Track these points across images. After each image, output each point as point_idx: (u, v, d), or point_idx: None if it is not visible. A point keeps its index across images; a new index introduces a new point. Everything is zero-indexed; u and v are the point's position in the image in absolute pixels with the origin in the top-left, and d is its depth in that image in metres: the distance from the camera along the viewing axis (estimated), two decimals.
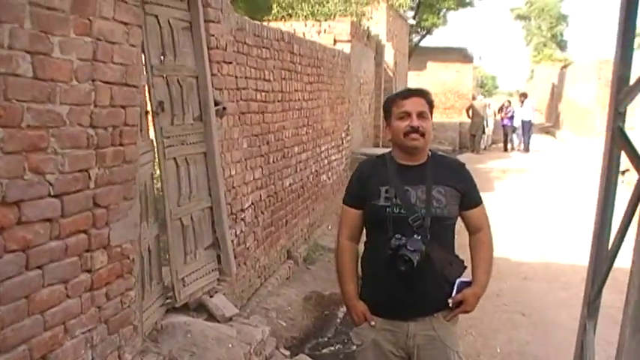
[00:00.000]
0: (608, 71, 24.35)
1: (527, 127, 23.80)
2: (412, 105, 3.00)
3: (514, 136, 24.26)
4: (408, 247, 2.82)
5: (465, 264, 3.09)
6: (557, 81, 35.03)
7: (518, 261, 8.27)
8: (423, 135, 2.97)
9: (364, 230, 3.19)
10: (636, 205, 1.98)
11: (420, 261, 2.82)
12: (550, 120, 35.89)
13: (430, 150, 3.14)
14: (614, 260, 2.20)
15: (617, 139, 2.24)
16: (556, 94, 34.55)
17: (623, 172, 11.40)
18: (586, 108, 26.33)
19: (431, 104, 3.10)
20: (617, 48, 2.26)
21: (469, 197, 3.09)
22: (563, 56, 51.58)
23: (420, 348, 3.00)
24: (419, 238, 2.86)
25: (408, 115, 2.98)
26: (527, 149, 23.39)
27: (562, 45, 59.03)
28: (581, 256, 8.51)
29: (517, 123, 23.80)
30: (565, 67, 34.06)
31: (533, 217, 11.40)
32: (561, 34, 59.20)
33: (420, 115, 2.98)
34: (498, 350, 5.61)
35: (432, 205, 2.94)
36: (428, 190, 2.96)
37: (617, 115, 2.25)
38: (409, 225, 2.90)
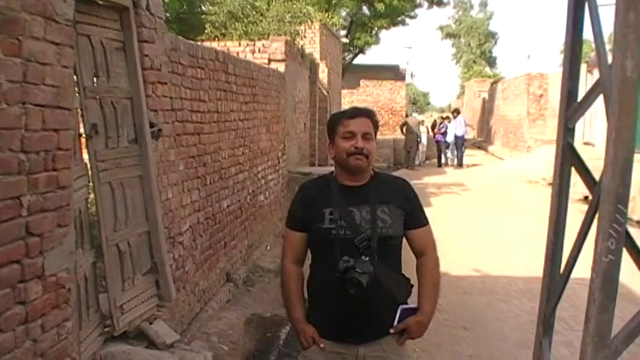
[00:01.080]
0: (536, 86, 25.14)
1: (460, 142, 24.26)
2: (358, 125, 2.97)
3: (447, 151, 24.69)
4: (357, 269, 2.78)
5: (412, 282, 3.06)
6: (487, 96, 35.88)
7: (456, 275, 8.34)
8: (367, 157, 2.94)
9: (309, 252, 3.14)
10: (590, 223, 1.99)
11: (369, 283, 2.77)
12: (482, 135, 36.70)
13: (373, 169, 3.12)
14: (568, 278, 2.21)
15: (567, 155, 2.25)
16: (487, 110, 35.37)
17: (586, 198, 11.72)
18: (516, 122, 27.03)
19: (376, 125, 3.07)
20: (565, 64, 2.29)
21: (413, 216, 3.06)
22: (493, 72, 53.04)
23: None
24: (367, 259, 2.82)
25: (353, 135, 2.94)
26: (460, 164, 23.80)
27: (491, 61, 60.74)
28: (517, 269, 8.73)
29: (450, 139, 24.24)
30: (495, 82, 34.93)
31: (468, 231, 11.55)
32: (490, 51, 60.96)
33: (365, 136, 2.96)
34: None
35: (377, 225, 2.91)
36: (372, 210, 2.93)
37: (567, 130, 2.26)
38: (355, 246, 2.86)
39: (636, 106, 1.77)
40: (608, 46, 2.19)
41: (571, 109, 2.26)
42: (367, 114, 3.08)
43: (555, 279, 2.37)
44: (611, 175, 1.76)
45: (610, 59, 1.84)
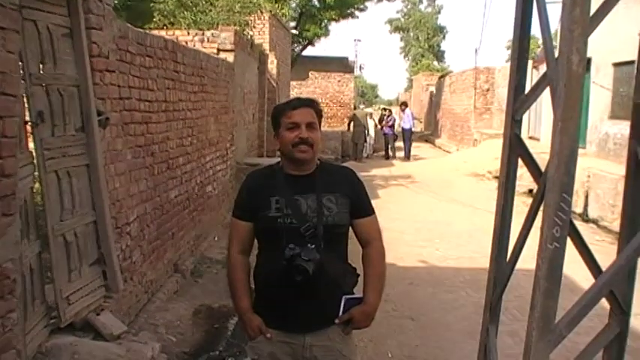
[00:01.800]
0: (483, 80, 25.54)
1: (408, 135, 24.50)
2: (301, 116, 2.97)
3: (395, 144, 24.91)
4: (303, 256, 2.78)
5: (359, 272, 3.09)
6: (435, 90, 36.28)
7: (403, 266, 8.45)
8: (311, 146, 2.95)
9: (255, 242, 3.13)
10: (536, 212, 2.05)
11: (315, 271, 2.79)
12: (429, 128, 37.12)
13: (319, 159, 3.13)
14: (514, 266, 2.26)
15: (514, 146, 2.31)
16: (434, 103, 35.78)
17: (530, 191, 11.97)
18: (463, 116, 27.44)
19: (319, 114, 3.08)
20: (513, 58, 2.34)
21: (359, 205, 3.08)
22: (441, 66, 53.64)
23: (318, 359, 2.98)
24: (313, 247, 2.83)
25: (297, 126, 2.95)
26: (408, 157, 24.03)
27: (439, 55, 61.38)
28: (463, 260, 8.87)
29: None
30: (443, 76, 35.32)
31: (415, 223, 11.70)
32: (438, 45, 61.57)
33: (309, 126, 2.96)
34: (390, 355, 5.70)
35: (323, 213, 2.92)
36: (318, 198, 2.94)
37: (514, 122, 2.32)
38: (301, 235, 2.87)
39: (581, 99, 1.83)
40: (554, 42, 2.25)
41: (518, 101, 2.31)
42: (310, 104, 3.08)
43: (502, 267, 2.43)
44: (556, 164, 1.82)
45: (556, 53, 1.90)
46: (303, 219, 2.90)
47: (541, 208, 2.04)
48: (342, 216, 2.98)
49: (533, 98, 2.25)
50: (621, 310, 2.21)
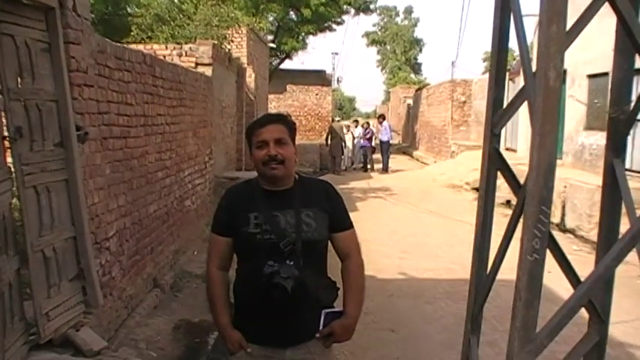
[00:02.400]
0: (460, 93, 25.77)
1: (386, 147, 24.60)
2: (269, 133, 2.96)
3: (373, 156, 25.03)
4: (281, 274, 2.79)
5: (338, 285, 3.09)
6: (412, 103, 36.50)
7: (383, 278, 8.47)
8: (282, 162, 2.94)
9: (234, 257, 3.13)
10: (516, 224, 2.08)
11: (294, 287, 2.79)
12: (407, 140, 37.30)
13: (297, 173, 3.13)
14: (494, 277, 2.29)
15: (494, 159, 2.34)
16: (412, 116, 35.99)
17: (508, 202, 12.06)
18: (440, 128, 27.63)
19: (291, 129, 3.06)
20: (492, 72, 2.38)
21: (337, 219, 3.08)
22: (418, 79, 53.98)
23: None
24: (291, 263, 2.84)
25: (266, 143, 2.94)
26: (386, 169, 24.12)
27: (416, 68, 61.76)
28: (441, 271, 8.92)
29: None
30: (420, 89, 35.56)
31: (394, 235, 11.75)
32: (415, 58, 61.97)
33: (278, 142, 2.95)
34: None
35: (302, 229, 2.92)
36: (297, 214, 2.94)
37: (493, 136, 2.35)
38: (281, 251, 2.86)
39: (558, 114, 1.87)
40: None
41: (497, 115, 2.35)
42: (279, 119, 3.07)
43: (482, 278, 2.46)
44: (535, 178, 1.85)
45: (533, 67, 1.94)
46: (282, 235, 2.90)
47: (520, 220, 2.07)
48: (320, 231, 2.98)
49: (512, 112, 2.29)
50: (600, 319, 2.25)
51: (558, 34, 1.79)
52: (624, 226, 2.27)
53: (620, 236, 2.24)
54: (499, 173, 2.36)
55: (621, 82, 2.23)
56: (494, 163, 2.35)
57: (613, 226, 2.26)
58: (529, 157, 1.89)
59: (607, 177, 2.23)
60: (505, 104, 2.40)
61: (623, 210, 2.22)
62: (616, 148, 2.21)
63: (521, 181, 2.20)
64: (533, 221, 1.85)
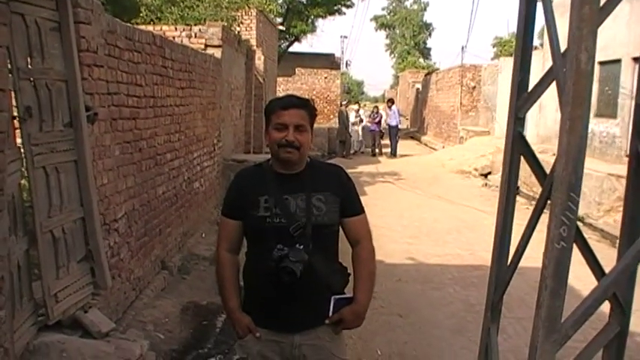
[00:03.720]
0: (469, 78, 25.66)
1: (394, 132, 24.52)
2: (290, 117, 2.91)
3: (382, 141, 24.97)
4: (291, 257, 2.77)
5: (349, 271, 3.06)
6: (421, 87, 36.36)
7: (391, 263, 8.45)
8: (298, 148, 2.90)
9: (244, 240, 3.10)
10: (542, 211, 2.02)
11: (303, 271, 2.77)
12: (415, 125, 37.20)
13: (309, 157, 3.09)
14: (517, 265, 2.24)
15: (517, 144, 2.28)
16: (421, 100, 35.86)
17: (518, 189, 12.01)
18: (449, 113, 27.52)
19: (312, 115, 3.03)
20: (517, 55, 2.31)
21: (348, 204, 3.04)
22: (427, 63, 53.75)
23: (307, 357, 2.96)
24: (301, 247, 2.81)
25: (285, 127, 2.90)
26: (394, 154, 24.04)
27: (425, 53, 61.47)
28: (450, 257, 8.90)
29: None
30: (429, 74, 35.40)
31: (402, 220, 11.72)
32: (424, 43, 61.66)
33: (298, 128, 2.91)
34: (379, 352, 5.69)
35: (312, 213, 2.89)
36: (307, 198, 2.91)
37: (517, 120, 2.29)
38: (290, 235, 2.84)
39: (589, 98, 1.81)
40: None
41: (521, 99, 2.29)
42: (302, 105, 3.01)
43: (503, 266, 2.41)
44: (564, 163, 1.79)
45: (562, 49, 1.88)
46: (292, 219, 2.87)
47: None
48: (331, 215, 2.95)
49: (537, 95, 2.23)
50: (622, 310, 2.20)
51: (591, 15, 1.73)
52: None
53: None
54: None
55: None
56: (517, 147, 2.29)
57: (637, 215, 2.20)
58: (558, 141, 1.83)
59: (633, 164, 2.16)
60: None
61: None
62: None
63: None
64: (561, 208, 1.80)
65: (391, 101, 27.29)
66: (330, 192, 2.97)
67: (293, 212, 2.88)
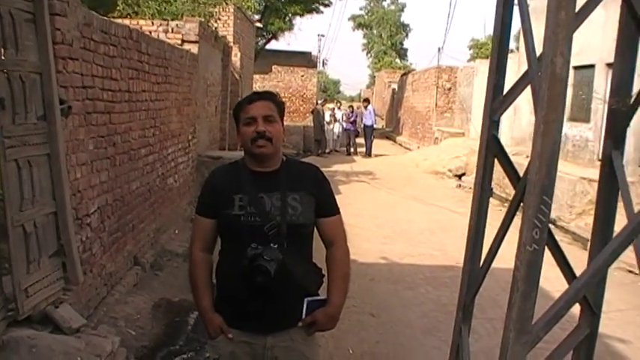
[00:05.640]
0: (445, 79, 25.80)
1: (369, 132, 24.58)
2: (257, 109, 2.89)
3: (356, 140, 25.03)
4: (265, 256, 2.73)
5: (324, 272, 3.04)
6: (397, 88, 36.48)
7: (364, 262, 8.45)
8: (270, 140, 2.87)
9: (218, 239, 3.07)
10: (514, 214, 2.04)
11: (277, 271, 2.73)
12: (390, 125, 37.33)
13: (285, 155, 3.07)
14: (489, 267, 2.26)
15: (492, 146, 2.30)
16: (396, 100, 35.98)
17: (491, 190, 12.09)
18: (425, 114, 27.66)
19: (279, 107, 3.00)
20: (493, 57, 2.33)
21: (324, 204, 3.02)
22: (403, 64, 53.93)
23: (279, 359, 2.95)
24: (275, 246, 2.77)
25: (254, 120, 2.87)
26: (369, 154, 24.10)
27: (402, 53, 61.67)
28: (422, 257, 8.94)
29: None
30: (405, 74, 35.53)
31: (376, 219, 11.76)
32: (401, 43, 61.86)
33: (267, 119, 2.88)
34: (351, 352, 5.70)
35: (287, 212, 2.86)
36: (283, 197, 2.88)
37: (492, 123, 2.31)
38: (265, 234, 2.80)
39: (564, 103, 1.83)
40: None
41: (497, 101, 2.30)
42: (267, 97, 3.00)
43: (476, 267, 2.42)
44: (537, 167, 1.81)
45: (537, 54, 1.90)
46: (267, 218, 2.83)
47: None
48: (307, 215, 2.92)
49: (512, 98, 2.25)
50: (592, 312, 2.23)
51: (567, 19, 1.74)
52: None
53: (615, 228, 2.23)
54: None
55: (623, 72, 2.18)
56: (492, 149, 2.31)
57: (608, 219, 2.23)
58: (532, 145, 1.85)
59: (604, 168, 2.19)
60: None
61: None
62: (615, 140, 2.17)
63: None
64: (533, 211, 1.82)
65: (367, 101, 27.40)
66: (305, 191, 2.94)
67: (268, 211, 2.84)
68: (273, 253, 2.75)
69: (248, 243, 2.77)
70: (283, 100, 3.20)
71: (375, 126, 25.88)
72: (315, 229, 3.04)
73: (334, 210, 3.08)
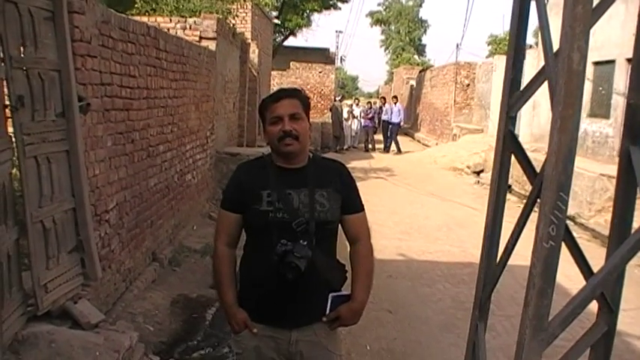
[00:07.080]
0: (464, 76, 25.67)
1: (395, 129, 24.49)
2: (284, 108, 2.89)
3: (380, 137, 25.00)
4: (295, 253, 2.72)
5: (347, 268, 3.04)
6: (415, 84, 36.34)
7: (382, 259, 8.43)
8: (297, 138, 2.87)
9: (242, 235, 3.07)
10: (531, 210, 2.02)
11: (306, 267, 2.73)
12: (408, 122, 37.23)
13: (311, 152, 3.06)
14: (505, 264, 2.24)
15: (508, 142, 2.28)
16: (414, 97, 35.85)
17: (509, 187, 12.04)
18: (443, 110, 27.54)
19: (305, 103, 2.99)
20: (510, 53, 2.31)
21: (349, 201, 3.02)
22: (421, 60, 53.70)
23: (303, 354, 2.94)
24: (305, 243, 2.77)
25: (280, 119, 2.87)
26: (399, 150, 23.98)
27: (420, 49, 61.38)
28: (440, 254, 8.91)
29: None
30: (423, 70, 35.39)
31: (394, 216, 11.73)
32: (419, 39, 61.58)
33: (293, 117, 2.88)
34: (368, 348, 5.70)
35: (315, 209, 2.85)
36: (311, 193, 2.87)
37: (509, 119, 2.29)
38: (293, 230, 2.80)
39: (581, 98, 1.81)
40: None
41: (513, 97, 2.29)
42: (293, 94, 3.00)
43: (492, 264, 2.41)
44: (554, 163, 1.80)
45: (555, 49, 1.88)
46: (295, 214, 2.83)
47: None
48: (333, 212, 2.92)
49: (529, 94, 2.23)
50: (609, 309, 2.21)
51: (584, 14, 1.73)
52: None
53: (633, 225, 2.20)
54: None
55: None
56: (509, 146, 2.29)
57: (626, 215, 2.20)
58: (549, 140, 1.83)
59: (623, 164, 2.17)
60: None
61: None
62: (634, 135, 2.14)
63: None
64: (550, 207, 1.81)
65: (395, 98, 27.22)
66: (332, 188, 2.94)
67: (296, 207, 2.84)
68: (303, 249, 2.75)
69: (276, 239, 2.77)
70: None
71: (402, 124, 25.80)
72: (340, 225, 3.04)
73: (359, 207, 3.08)
